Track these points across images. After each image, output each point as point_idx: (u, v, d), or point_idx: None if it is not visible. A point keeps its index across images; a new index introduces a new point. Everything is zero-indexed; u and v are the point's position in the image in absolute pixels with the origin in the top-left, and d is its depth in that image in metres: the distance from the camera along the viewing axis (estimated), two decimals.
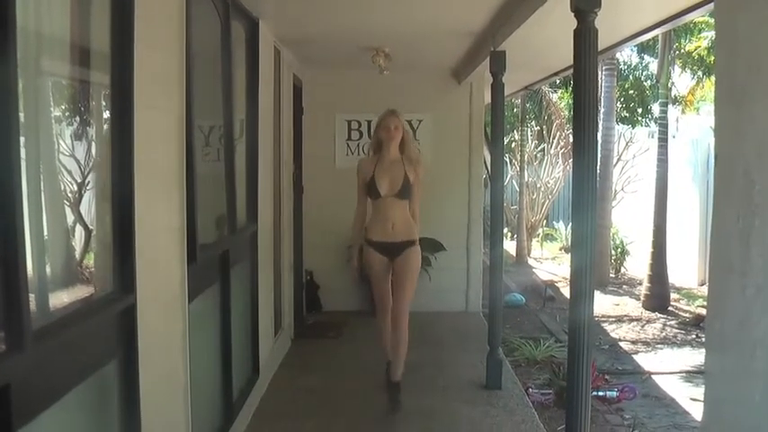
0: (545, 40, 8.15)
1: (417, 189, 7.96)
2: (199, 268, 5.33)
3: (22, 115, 2.93)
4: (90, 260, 4.28)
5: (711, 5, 6.28)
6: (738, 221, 2.51)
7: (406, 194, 7.87)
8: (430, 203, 10.38)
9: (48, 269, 3.56)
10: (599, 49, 4.95)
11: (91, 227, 4.20)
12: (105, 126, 4.17)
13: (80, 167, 4.07)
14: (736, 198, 2.56)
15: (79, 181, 4.08)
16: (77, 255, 4.13)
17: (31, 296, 2.96)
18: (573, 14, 4.75)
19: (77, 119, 4.25)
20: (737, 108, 2.54)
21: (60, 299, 3.66)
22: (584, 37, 4.73)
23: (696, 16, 7.78)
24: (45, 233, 3.48)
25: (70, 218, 4.02)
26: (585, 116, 4.76)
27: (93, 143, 4.32)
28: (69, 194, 4.00)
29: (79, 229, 4.11)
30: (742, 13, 2.51)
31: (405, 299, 7.87)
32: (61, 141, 3.89)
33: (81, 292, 4.05)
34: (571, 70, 5.12)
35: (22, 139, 2.90)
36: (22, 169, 2.86)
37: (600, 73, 17.53)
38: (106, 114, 4.17)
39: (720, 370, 2.84)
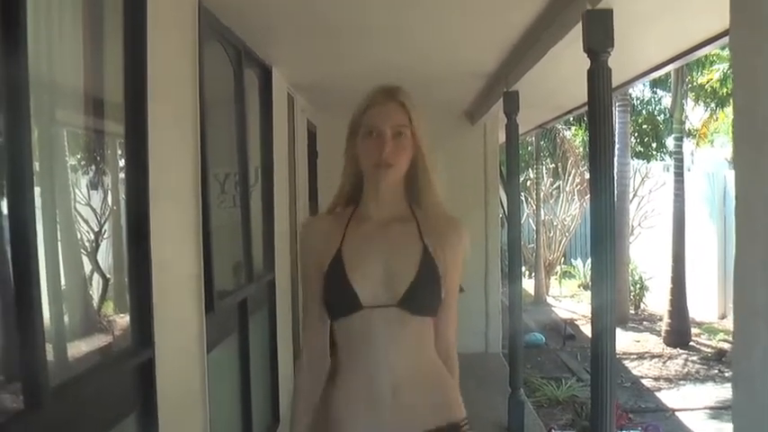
0: (558, 79, 8.14)
1: (453, 291, 3.33)
2: (217, 318, 5.31)
3: (36, 164, 2.94)
4: (108, 308, 4.27)
5: (723, 40, 6.28)
6: (763, 267, 2.48)
7: (426, 304, 3.16)
8: None
9: (65, 318, 3.56)
10: (613, 86, 4.94)
11: (108, 275, 4.19)
12: (121, 174, 4.18)
13: (96, 216, 4.08)
14: (759, 242, 2.53)
15: (96, 230, 4.08)
16: (95, 303, 4.12)
17: (49, 346, 2.96)
18: (585, 54, 4.75)
19: (93, 168, 4.26)
20: (758, 150, 2.52)
21: (78, 348, 3.65)
22: (598, 76, 4.72)
23: (708, 51, 7.78)
24: (62, 282, 3.49)
25: (87, 267, 4.01)
26: (602, 154, 4.74)
27: (109, 192, 4.33)
28: (86, 243, 3.99)
29: (96, 278, 4.11)
30: (760, 56, 2.49)
31: None
32: (77, 190, 3.90)
33: (99, 341, 4.04)
34: (585, 108, 5.12)
35: (37, 189, 2.91)
36: (37, 218, 2.87)
37: (613, 109, 17.54)
38: (121, 163, 4.18)
39: (747, 408, 2.80)
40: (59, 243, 3.45)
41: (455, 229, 3.24)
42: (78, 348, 3.67)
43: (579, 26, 4.78)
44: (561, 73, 7.25)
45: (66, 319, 3.54)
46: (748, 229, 2.69)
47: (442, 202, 3.22)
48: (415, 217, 3.17)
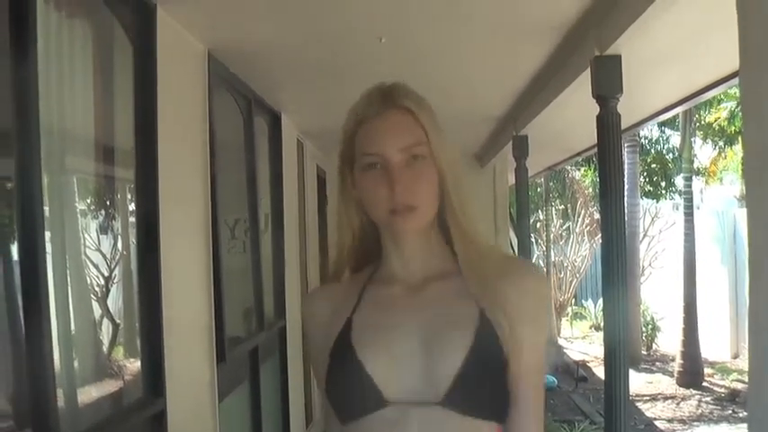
0: (567, 122, 8.16)
1: (533, 374, 2.06)
2: (228, 367, 5.29)
3: (47, 210, 2.96)
4: (118, 354, 4.26)
5: (731, 82, 6.30)
6: None
7: (484, 399, 1.99)
8: None
9: (76, 364, 3.54)
10: (622, 129, 4.95)
11: (118, 321, 4.19)
12: (131, 219, 4.20)
13: (106, 261, 4.08)
14: None
15: (106, 275, 4.09)
16: (105, 349, 4.12)
17: (59, 392, 2.95)
18: (594, 100, 4.76)
19: (103, 213, 4.29)
20: None
21: (89, 395, 3.65)
22: (607, 121, 4.73)
23: (716, 93, 7.79)
24: (72, 327, 3.48)
25: (98, 312, 4.01)
26: (612, 197, 4.74)
27: (120, 237, 4.34)
28: (96, 288, 3.99)
29: (106, 323, 4.11)
30: None
31: None
32: (87, 235, 3.91)
33: (110, 387, 4.02)
34: (593, 150, 5.13)
35: (47, 234, 2.93)
36: (47, 263, 2.89)
37: (623, 150, 17.56)
38: (132, 208, 4.21)
39: None
40: (70, 288, 3.45)
41: (521, 274, 2.12)
42: (89, 394, 3.67)
43: (588, 72, 4.80)
44: (570, 117, 7.27)
45: (76, 364, 3.54)
46: (759, 274, 2.68)
47: (487, 241, 2.21)
48: (458, 268, 2.11)
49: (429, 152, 2.04)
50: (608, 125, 4.73)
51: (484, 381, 1.96)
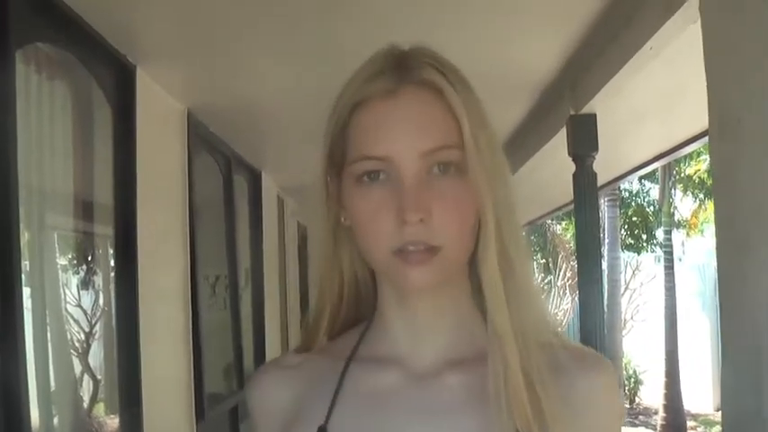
0: (545, 179, 8.19)
1: None
2: (208, 426, 5.27)
3: (27, 264, 2.97)
4: (99, 410, 4.24)
5: (705, 139, 6.35)
6: (748, 372, 2.48)
7: None
8: None
9: (55, 421, 3.53)
10: (599, 186, 5.00)
11: (99, 377, 4.18)
12: (112, 274, 4.20)
13: (87, 317, 4.08)
14: (745, 350, 2.53)
15: (87, 330, 4.08)
16: (85, 405, 4.09)
17: None
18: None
19: (83, 269, 4.29)
20: (739, 258, 2.54)
21: None
22: (583, 179, 4.78)
23: (693, 149, 7.85)
24: (52, 383, 3.47)
25: (78, 367, 4.00)
26: (589, 253, 4.79)
27: (100, 292, 4.34)
28: (77, 344, 3.98)
29: (87, 379, 4.09)
30: (742, 161, 2.52)
31: None
32: (67, 291, 3.91)
33: None
34: (572, 205, 5.17)
35: (26, 290, 2.94)
36: (26, 319, 2.90)
37: (602, 203, 17.62)
38: (112, 263, 4.21)
39: None
40: (49, 343, 3.45)
41: (595, 376, 1.30)
42: None
43: (563, 131, 4.85)
44: (548, 173, 7.31)
45: (55, 421, 3.53)
46: (733, 337, 2.70)
47: (552, 320, 1.51)
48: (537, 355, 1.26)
49: (465, 159, 1.21)
50: (584, 183, 4.78)
51: None
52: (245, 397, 1.34)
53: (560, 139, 4.95)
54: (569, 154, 4.79)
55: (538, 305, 1.32)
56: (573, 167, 4.84)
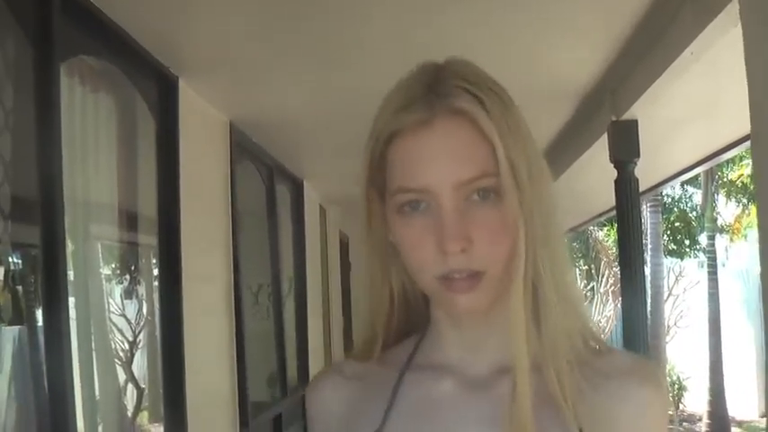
0: (587, 185, 8.16)
1: None
2: None
3: (71, 275, 2.99)
4: (143, 419, 4.27)
5: (748, 143, 6.31)
6: None
7: None
8: None
9: (100, 429, 3.57)
10: (641, 191, 4.97)
11: (143, 386, 4.21)
12: (155, 284, 4.23)
13: (131, 326, 4.11)
14: None
15: (130, 339, 4.11)
16: (130, 413, 4.12)
17: None
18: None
19: (127, 279, 4.32)
20: None
21: None
22: (625, 185, 4.75)
23: (735, 153, 7.79)
24: (96, 392, 3.50)
25: (122, 377, 4.03)
26: (632, 260, 4.75)
27: (144, 302, 4.38)
28: (121, 353, 4.02)
29: (131, 388, 4.12)
30: None
31: None
32: (112, 301, 3.94)
33: None
34: (614, 212, 5.15)
35: (72, 300, 2.96)
36: (72, 329, 2.93)
37: (644, 209, 17.53)
38: (156, 272, 4.24)
39: None
40: (94, 353, 3.49)
41: (639, 381, 1.32)
42: None
43: (605, 137, 4.83)
44: (590, 180, 7.29)
45: (100, 429, 3.56)
46: None
47: (597, 329, 1.70)
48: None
49: (503, 184, 1.22)
50: (626, 189, 4.76)
51: None
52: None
53: (602, 146, 4.94)
54: (611, 160, 4.77)
55: (578, 319, 1.33)
56: (615, 174, 4.82)
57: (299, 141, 6.38)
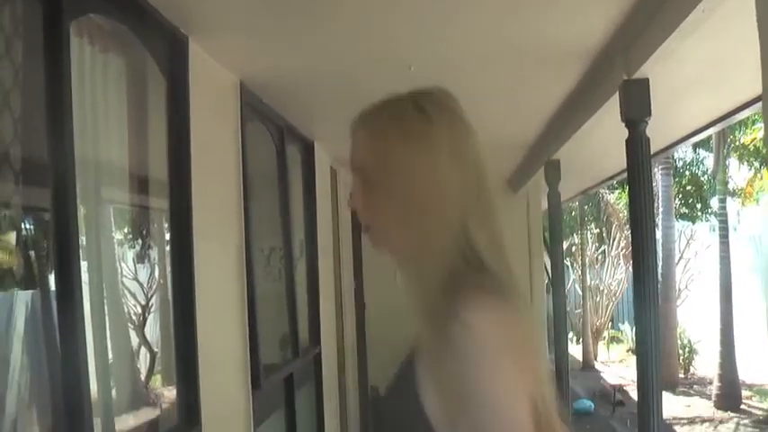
0: (598, 146, 8.15)
1: None
2: (263, 394, 5.31)
3: (83, 239, 2.99)
4: (156, 382, 4.29)
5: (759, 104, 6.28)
6: None
7: None
8: None
9: (113, 392, 3.59)
10: (652, 153, 4.95)
11: (155, 349, 4.23)
12: (167, 248, 4.23)
13: (143, 290, 4.12)
14: None
15: (143, 303, 4.12)
16: (142, 377, 4.15)
17: (96, 420, 2.97)
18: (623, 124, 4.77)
19: (139, 243, 4.33)
20: None
21: (126, 423, 3.66)
22: (636, 145, 4.73)
23: (747, 114, 7.76)
24: (110, 356, 3.51)
25: (135, 340, 4.05)
26: (643, 221, 4.72)
27: (156, 266, 4.38)
28: (134, 317, 4.03)
29: (144, 352, 4.14)
30: None
31: None
32: (124, 265, 3.95)
33: (147, 415, 4.05)
34: (626, 174, 5.12)
35: (84, 264, 2.96)
36: (84, 293, 2.92)
37: (656, 172, 17.49)
38: (167, 236, 4.24)
39: None
40: (107, 317, 3.49)
41: (450, 326, 1.64)
42: (126, 423, 3.69)
43: (616, 96, 4.81)
44: (601, 141, 7.27)
45: (113, 392, 3.58)
46: None
47: (431, 271, 1.79)
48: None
49: (367, 165, 1.94)
50: (637, 149, 4.73)
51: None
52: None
53: (613, 106, 4.91)
54: (622, 119, 4.74)
55: (423, 255, 1.81)
56: (626, 134, 4.80)
57: (310, 102, 6.36)
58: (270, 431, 5.90)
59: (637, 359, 4.92)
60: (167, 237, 4.26)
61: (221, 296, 4.76)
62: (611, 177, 12.28)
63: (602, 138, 6.75)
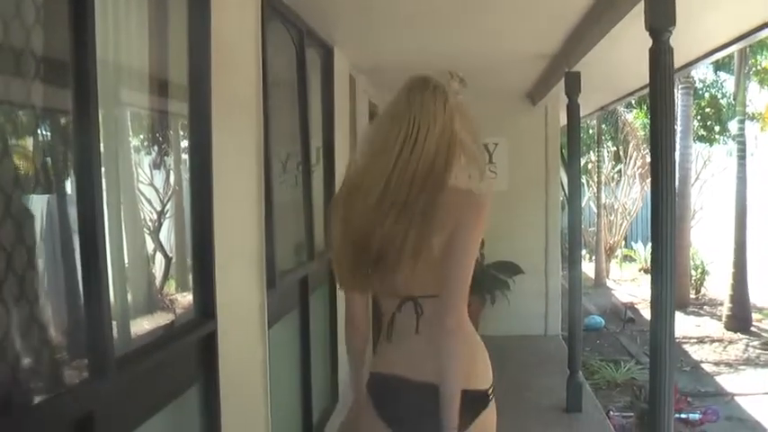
0: (620, 59, 8.10)
1: None
2: (278, 294, 5.36)
3: (101, 145, 2.98)
4: (170, 287, 4.33)
5: None
6: None
7: None
8: (506, 226, 10.40)
9: (129, 297, 3.60)
10: (675, 67, 4.90)
11: (171, 254, 4.25)
12: (183, 155, 4.23)
13: (159, 196, 4.13)
14: None
15: (159, 209, 4.13)
16: (158, 282, 4.18)
17: (114, 323, 3.00)
18: (647, 33, 4.72)
19: (156, 148, 4.31)
20: None
21: (141, 326, 3.69)
22: (660, 56, 4.68)
23: None
24: (126, 262, 3.52)
25: (150, 246, 4.06)
26: (663, 137, 4.69)
27: (172, 172, 4.38)
28: (149, 223, 4.05)
29: (159, 257, 4.16)
30: None
31: None
32: (140, 170, 3.95)
33: (162, 319, 4.08)
34: (647, 90, 5.09)
35: (102, 170, 2.95)
36: (103, 199, 2.92)
37: (676, 91, 17.37)
38: (184, 143, 4.23)
39: None
40: (123, 223, 3.49)
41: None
42: (141, 326, 3.73)
43: (641, 4, 4.76)
44: (623, 53, 7.23)
45: (129, 297, 3.60)
46: None
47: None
48: None
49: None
50: (661, 59, 4.68)
51: None
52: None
53: (637, 14, 4.86)
54: (646, 28, 4.69)
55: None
56: (647, 47, 4.75)
57: (331, 4, 6.31)
58: (284, 329, 5.98)
59: (651, 277, 4.92)
60: (184, 143, 4.25)
61: (238, 200, 4.76)
62: (632, 93, 12.19)
63: (625, 49, 6.71)
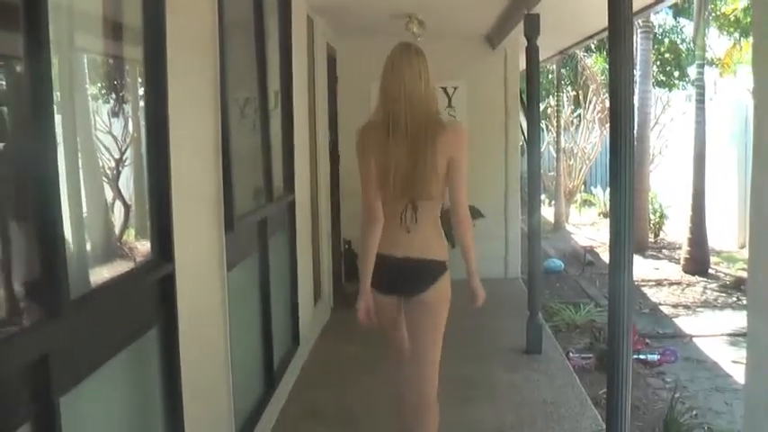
0: (579, 1, 8.09)
1: None
2: (237, 237, 5.35)
3: (57, 93, 2.93)
4: (129, 236, 4.30)
5: None
6: None
7: None
8: (467, 170, 10.43)
9: (87, 246, 3.58)
10: (634, 10, 4.89)
11: (129, 202, 4.22)
12: (141, 100, 4.18)
13: (117, 144, 4.09)
14: None
15: (117, 157, 4.09)
16: (117, 231, 4.15)
17: (69, 267, 2.97)
18: None
19: (113, 95, 4.27)
20: None
21: (100, 275, 3.67)
22: None
23: None
24: (84, 210, 3.50)
25: (109, 194, 4.03)
26: (622, 81, 4.68)
27: (131, 119, 4.34)
28: (108, 171, 4.01)
29: (118, 205, 4.13)
30: None
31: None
32: (98, 118, 3.90)
33: (121, 267, 4.06)
34: (606, 33, 5.06)
35: (58, 117, 2.91)
36: (58, 147, 2.87)
37: (635, 36, 17.37)
38: (141, 91, 4.18)
39: (763, 334, 2.82)
40: (81, 171, 3.45)
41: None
42: (101, 271, 3.71)
43: None
44: None
45: (87, 245, 3.58)
46: (764, 149, 2.69)
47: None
48: None
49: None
50: (619, 1, 4.67)
51: None
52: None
53: None
54: None
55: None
56: None
57: None
58: (243, 273, 5.98)
59: (610, 221, 4.93)
60: (141, 88, 4.19)
61: (195, 145, 4.73)
62: (592, 36, 12.21)
63: None
